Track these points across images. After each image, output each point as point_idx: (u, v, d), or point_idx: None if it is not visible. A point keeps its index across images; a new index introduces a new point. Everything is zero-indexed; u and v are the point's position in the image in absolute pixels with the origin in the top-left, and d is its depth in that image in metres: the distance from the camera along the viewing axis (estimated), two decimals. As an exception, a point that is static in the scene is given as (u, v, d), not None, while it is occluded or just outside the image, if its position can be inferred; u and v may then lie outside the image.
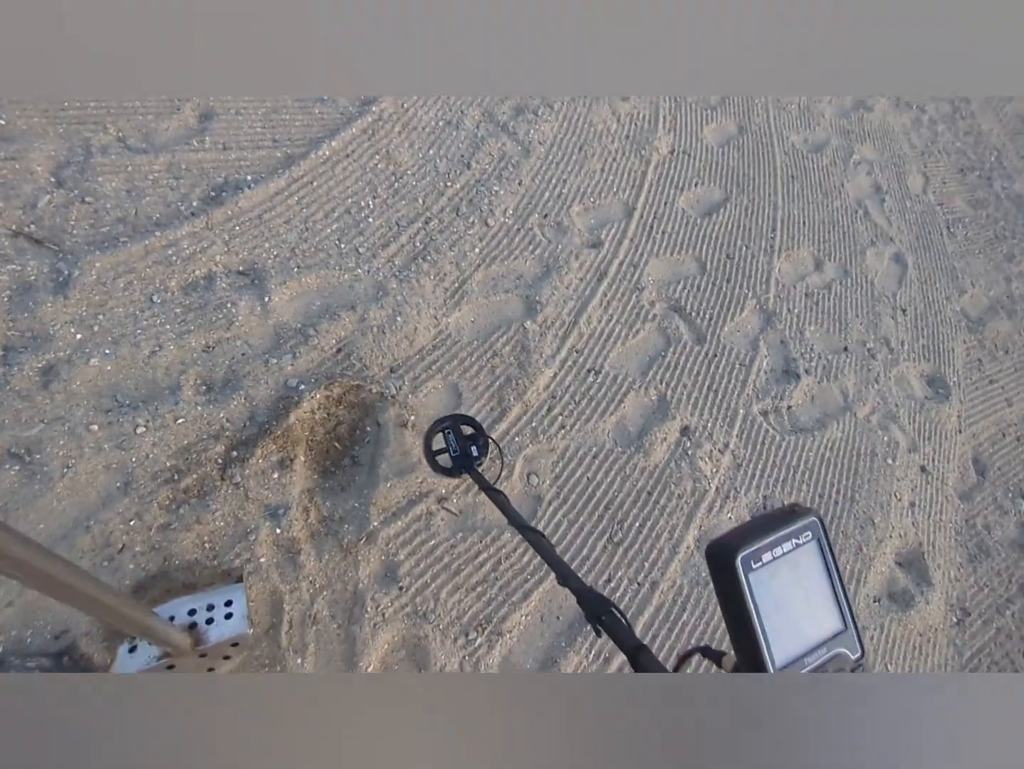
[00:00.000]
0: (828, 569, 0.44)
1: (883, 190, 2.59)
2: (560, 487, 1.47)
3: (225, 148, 1.60)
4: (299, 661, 1.13)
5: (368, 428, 1.40)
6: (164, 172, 1.51)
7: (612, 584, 1.40)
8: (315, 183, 1.65)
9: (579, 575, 0.80)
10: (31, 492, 1.11)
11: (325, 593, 1.22)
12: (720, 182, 2.26)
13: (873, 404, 1.93)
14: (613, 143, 2.18)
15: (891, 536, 1.70)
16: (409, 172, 1.79)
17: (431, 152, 1.86)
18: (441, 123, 1.93)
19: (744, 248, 2.12)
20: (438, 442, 1.30)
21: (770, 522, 0.45)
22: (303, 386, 1.37)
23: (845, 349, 2.02)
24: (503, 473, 1.43)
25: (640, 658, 0.59)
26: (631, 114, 2.29)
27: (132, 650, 0.94)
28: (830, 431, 1.82)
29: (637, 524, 1.48)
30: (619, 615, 0.68)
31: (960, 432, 2.03)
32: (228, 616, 0.99)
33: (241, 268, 1.47)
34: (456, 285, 1.66)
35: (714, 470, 1.62)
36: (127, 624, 0.71)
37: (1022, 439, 2.11)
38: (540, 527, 1.41)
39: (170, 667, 0.94)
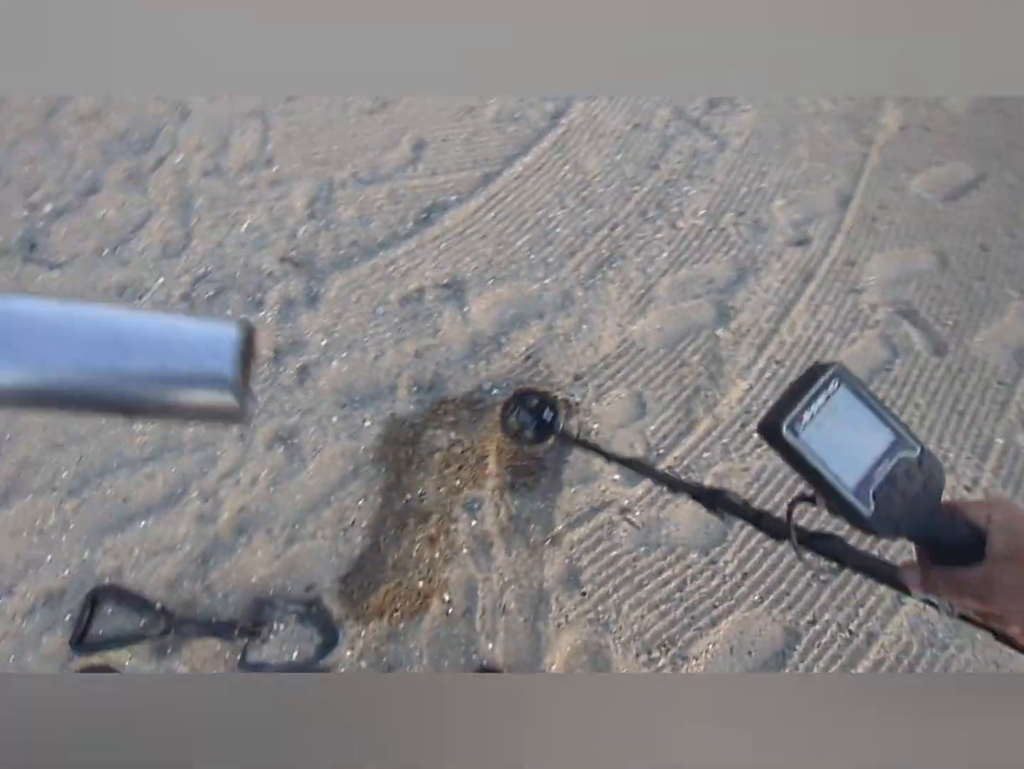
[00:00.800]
0: (864, 400, 0.48)
1: None
2: (754, 510, 1.35)
3: (434, 173, 1.79)
4: (490, 646, 1.21)
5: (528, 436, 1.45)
6: (386, 199, 1.74)
7: (817, 627, 1.24)
8: (509, 198, 1.75)
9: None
10: (292, 469, 1.37)
11: (513, 587, 1.29)
12: (972, 157, 1.86)
13: None
14: (824, 125, 1.93)
15: None
16: (596, 179, 1.80)
17: (618, 157, 1.85)
18: (628, 127, 1.91)
19: (1007, 236, 1.71)
20: (513, 424, 1.37)
21: (799, 387, 0.49)
22: (496, 390, 1.46)
23: None
24: (578, 426, 1.40)
25: (762, 522, 0.70)
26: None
27: None
28: None
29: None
30: (732, 497, 0.76)
31: None
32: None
33: (445, 281, 1.62)
34: (642, 291, 1.62)
35: (957, 509, 1.34)
36: None
37: None
38: (730, 552, 1.31)
39: None
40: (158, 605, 1.26)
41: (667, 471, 0.87)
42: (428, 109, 1.89)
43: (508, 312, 1.59)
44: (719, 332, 1.56)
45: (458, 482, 1.37)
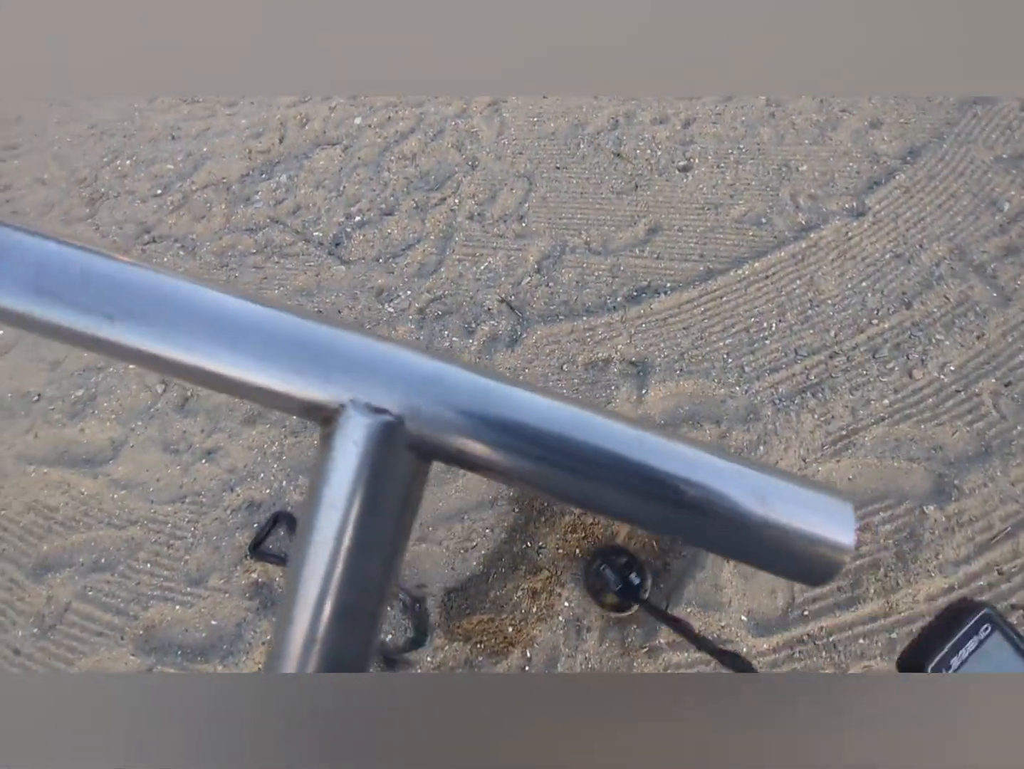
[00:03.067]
0: (1021, 650, 0.46)
1: None
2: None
3: (659, 258, 1.86)
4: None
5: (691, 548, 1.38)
6: (607, 271, 1.86)
7: None
8: (724, 298, 1.74)
9: None
10: (444, 478, 1.55)
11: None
12: None
13: None
14: None
15: None
16: (829, 301, 1.68)
17: (863, 284, 1.69)
18: (888, 255, 1.74)
19: None
20: (596, 582, 1.27)
21: (944, 625, 0.47)
22: (645, 478, 1.45)
23: None
24: (671, 596, 1.19)
25: None
26: None
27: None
28: None
29: None
30: None
31: None
32: None
33: (633, 359, 1.67)
34: (844, 433, 1.45)
35: None
36: None
37: None
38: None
39: None
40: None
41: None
42: (673, 199, 1.98)
43: (685, 407, 1.57)
44: (929, 509, 1.32)
45: (578, 551, 1.39)
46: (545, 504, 1.45)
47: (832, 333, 1.62)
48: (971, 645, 0.46)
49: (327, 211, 2.16)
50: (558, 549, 1.40)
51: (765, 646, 1.22)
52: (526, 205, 2.04)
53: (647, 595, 1.26)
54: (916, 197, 1.85)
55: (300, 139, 2.42)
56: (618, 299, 1.79)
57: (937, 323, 1.59)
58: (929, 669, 0.46)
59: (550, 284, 1.85)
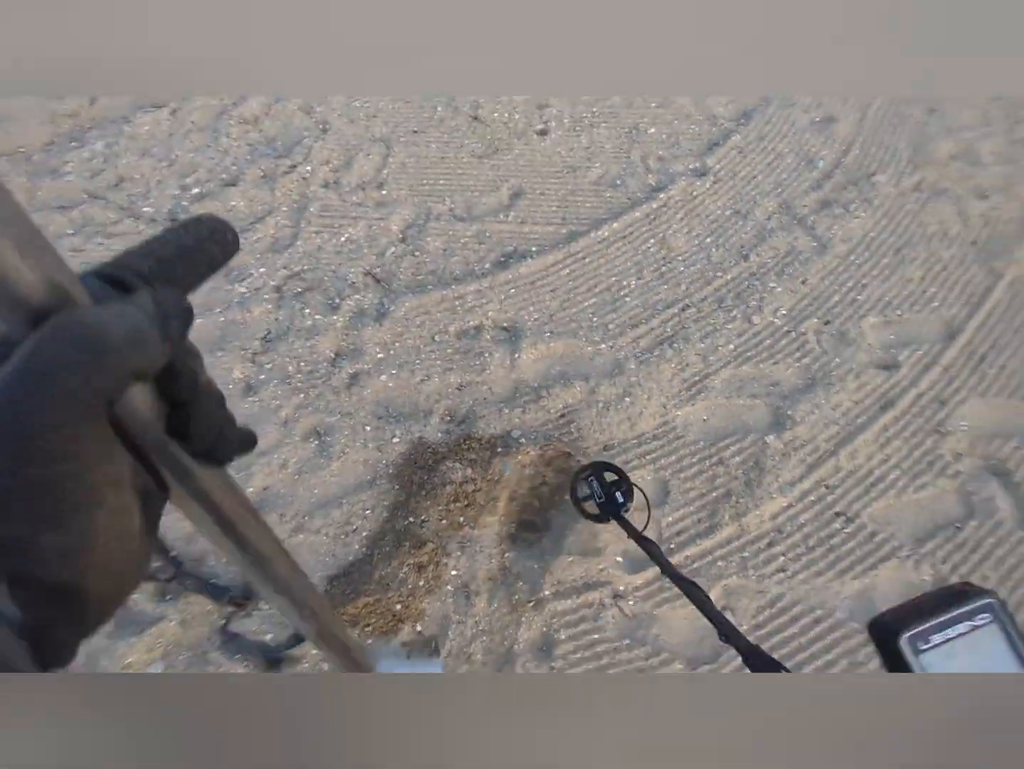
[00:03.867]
0: (1018, 652, 0.42)
1: None
2: (758, 638, 1.24)
3: (523, 222, 1.87)
4: (442, 694, 1.20)
5: (567, 497, 1.43)
6: (473, 238, 1.84)
7: None
8: (587, 259, 1.79)
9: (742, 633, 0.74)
10: (318, 463, 1.46)
11: (484, 638, 1.27)
12: (1121, 315, 1.63)
13: None
14: (949, 249, 1.79)
15: None
16: (680, 258, 1.79)
17: (708, 240, 1.83)
18: (728, 212, 1.89)
19: None
20: (583, 489, 1.32)
21: (939, 601, 0.44)
22: (523, 440, 1.48)
23: None
24: (649, 521, 1.30)
25: None
26: (989, 214, 1.85)
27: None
28: None
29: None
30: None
31: None
32: None
33: (505, 324, 1.68)
34: (697, 378, 1.57)
35: None
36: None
37: None
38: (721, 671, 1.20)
39: None
40: (172, 552, 1.38)
41: (719, 611, 0.79)
42: (534, 163, 1.99)
43: (556, 367, 1.61)
44: (769, 439, 1.47)
45: (461, 519, 1.39)
46: (425, 477, 1.43)
47: (683, 287, 1.73)
48: (962, 628, 0.43)
49: (157, 183, 1.91)
50: (441, 520, 1.38)
51: (639, 581, 1.31)
52: (385, 171, 1.95)
53: (625, 513, 1.28)
54: (749, 157, 2.01)
55: (115, 101, 2.10)
56: (486, 266, 1.77)
57: (770, 272, 1.76)
58: (904, 637, 0.42)
59: (416, 253, 1.79)
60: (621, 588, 1.31)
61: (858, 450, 1.45)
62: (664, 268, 1.77)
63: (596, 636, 1.26)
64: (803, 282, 1.73)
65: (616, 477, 1.32)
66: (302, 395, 1.54)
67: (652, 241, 1.82)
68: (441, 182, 1.94)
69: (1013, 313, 1.65)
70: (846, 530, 1.35)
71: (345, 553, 1.36)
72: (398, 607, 1.30)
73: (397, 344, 1.63)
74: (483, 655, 1.26)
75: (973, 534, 1.33)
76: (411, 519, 1.38)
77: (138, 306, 0.22)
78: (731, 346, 1.62)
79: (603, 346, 1.63)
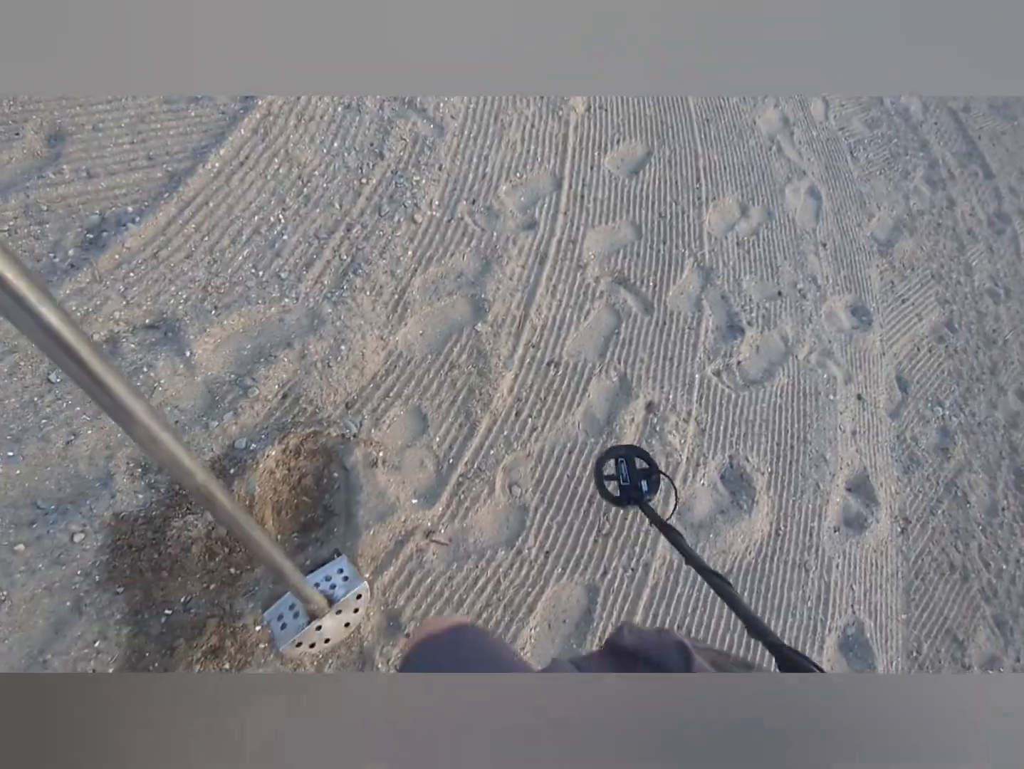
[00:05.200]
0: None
1: (791, 122, 2.63)
2: (543, 492, 1.46)
3: (91, 176, 1.34)
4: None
5: (335, 474, 1.31)
6: (21, 217, 1.25)
7: (608, 575, 1.43)
8: (211, 203, 1.43)
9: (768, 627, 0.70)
10: (-40, 642, 0.95)
11: (331, 660, 1.16)
12: (640, 135, 2.20)
13: (810, 344, 2.04)
14: (529, 107, 2.05)
15: (841, 468, 1.85)
16: (316, 173, 1.60)
17: (336, 145, 1.66)
18: (339, 108, 1.72)
19: (674, 204, 2.10)
20: (609, 468, 1.31)
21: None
22: (254, 445, 1.24)
23: (779, 294, 2.09)
24: (676, 510, 1.42)
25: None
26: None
27: (283, 627, 1.07)
28: (777, 378, 1.90)
29: (621, 512, 1.50)
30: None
31: (883, 355, 2.20)
32: (344, 578, 1.14)
33: (148, 321, 1.27)
34: (396, 297, 1.53)
35: (682, 441, 1.66)
36: (283, 580, 0.89)
37: (933, 350, 2.32)
38: (530, 536, 1.40)
39: (318, 628, 1.08)
40: None
41: (747, 605, 0.73)
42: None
43: (246, 346, 1.34)
44: (479, 327, 1.59)
45: (233, 570, 1.14)
46: (155, 555, 1.09)
47: (337, 205, 1.58)
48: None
49: None
50: (208, 586, 1.11)
51: (440, 509, 1.35)
52: None
53: (648, 500, 1.27)
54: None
55: None
56: (70, 252, 1.25)
57: (409, 165, 1.73)
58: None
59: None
60: (428, 524, 1.33)
61: (540, 304, 1.70)
62: (306, 188, 1.56)
63: (430, 579, 1.28)
64: (440, 168, 1.77)
65: (647, 466, 1.32)
66: None
67: (276, 160, 1.56)
68: None
69: (586, 152, 2.05)
70: (558, 373, 1.63)
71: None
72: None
73: (-12, 416, 1.08)
74: (336, 664, 1.16)
75: (626, 332, 1.77)
76: (167, 611, 1.07)
77: None
78: (409, 252, 1.60)
79: (287, 300, 1.41)
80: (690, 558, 0.93)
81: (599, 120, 2.15)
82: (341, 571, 1.16)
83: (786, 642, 0.61)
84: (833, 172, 2.60)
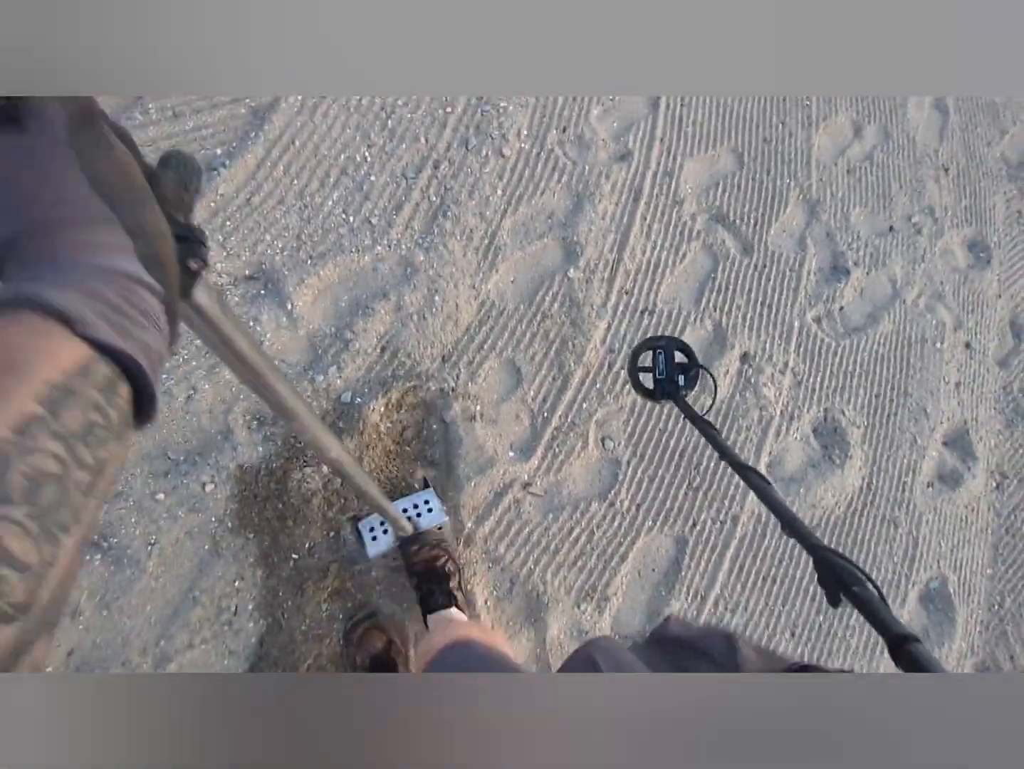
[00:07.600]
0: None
1: (920, 16, 2.25)
2: (635, 446, 1.45)
3: (176, 115, 1.28)
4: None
5: (435, 427, 1.33)
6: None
7: (697, 527, 1.44)
8: (296, 142, 1.36)
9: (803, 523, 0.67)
10: (125, 578, 1.06)
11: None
12: (746, 41, 1.93)
13: (920, 286, 1.87)
14: (621, 9, 1.80)
15: (941, 421, 1.75)
16: (400, 102, 1.48)
17: (418, 67, 1.52)
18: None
19: (780, 125, 1.87)
20: (645, 360, 1.16)
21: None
22: (359, 399, 1.26)
23: (891, 229, 1.90)
24: (713, 406, 1.38)
25: (910, 651, 0.45)
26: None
27: (374, 538, 1.14)
28: (881, 325, 1.77)
29: (712, 465, 1.49)
30: (870, 583, 0.54)
31: (999, 297, 2.00)
32: (429, 510, 1.18)
33: (248, 272, 1.26)
34: (486, 242, 1.46)
35: (777, 393, 1.60)
36: (371, 503, 0.88)
37: (1057, 292, 2.10)
38: (622, 490, 1.41)
39: (400, 546, 1.17)
40: None
41: (783, 500, 0.70)
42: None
43: (343, 298, 1.32)
44: (571, 273, 1.51)
45: (351, 513, 1.21)
46: (279, 505, 1.16)
47: (423, 139, 1.47)
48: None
49: None
50: (329, 534, 1.18)
51: (536, 462, 1.36)
52: None
53: (685, 395, 1.11)
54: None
55: None
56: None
57: (494, 89, 1.58)
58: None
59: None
60: (525, 477, 1.35)
61: (634, 247, 1.59)
62: (390, 121, 1.46)
63: (528, 529, 1.33)
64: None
65: (686, 360, 1.15)
66: None
67: (357, 89, 1.44)
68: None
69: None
70: (652, 322, 1.56)
71: (245, 640, 1.10)
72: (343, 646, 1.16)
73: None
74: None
75: (723, 277, 1.66)
76: (295, 556, 1.15)
77: None
78: (499, 191, 1.51)
79: (379, 248, 1.36)
80: (724, 453, 0.90)
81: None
82: (427, 502, 1.20)
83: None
84: (965, 78, 2.24)
